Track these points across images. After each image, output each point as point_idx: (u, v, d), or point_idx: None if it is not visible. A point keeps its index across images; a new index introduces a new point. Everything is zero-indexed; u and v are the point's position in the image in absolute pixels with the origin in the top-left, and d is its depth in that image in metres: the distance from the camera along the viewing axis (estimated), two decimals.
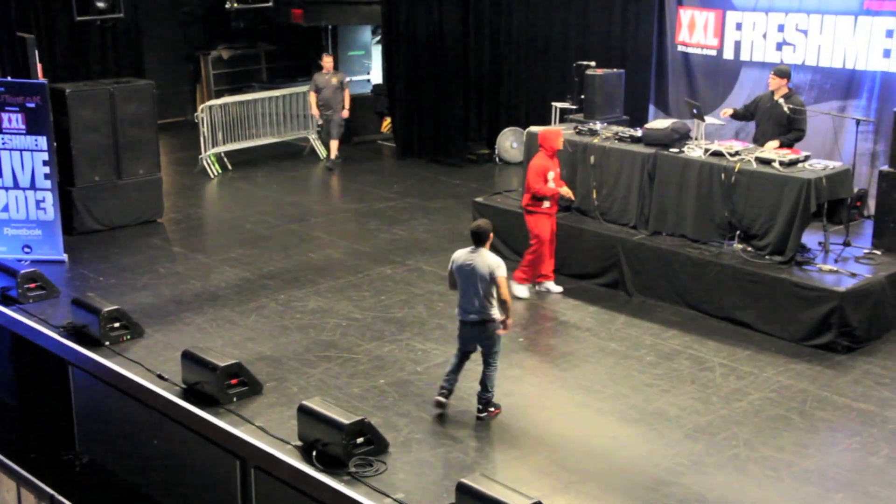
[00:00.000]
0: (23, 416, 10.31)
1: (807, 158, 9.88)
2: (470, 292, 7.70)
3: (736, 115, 11.20)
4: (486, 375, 7.88)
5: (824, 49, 12.19)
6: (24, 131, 11.43)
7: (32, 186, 11.55)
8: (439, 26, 16.15)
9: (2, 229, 11.62)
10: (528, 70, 15.72)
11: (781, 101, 10.53)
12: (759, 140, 10.69)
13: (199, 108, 16.12)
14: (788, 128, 10.54)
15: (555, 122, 13.87)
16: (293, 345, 9.33)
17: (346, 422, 7.12)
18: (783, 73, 10.66)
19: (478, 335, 7.83)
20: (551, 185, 10.20)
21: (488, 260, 7.70)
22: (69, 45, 15.94)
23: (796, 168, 9.70)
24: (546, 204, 10.28)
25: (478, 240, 7.79)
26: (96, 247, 12.17)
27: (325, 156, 16.35)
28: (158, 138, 13.33)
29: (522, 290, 10.42)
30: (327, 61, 16.07)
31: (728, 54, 13.15)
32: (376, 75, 19.56)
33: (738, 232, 9.95)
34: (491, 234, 7.88)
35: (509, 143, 15.99)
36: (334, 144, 16.06)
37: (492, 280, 7.63)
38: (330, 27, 19.23)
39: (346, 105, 15.92)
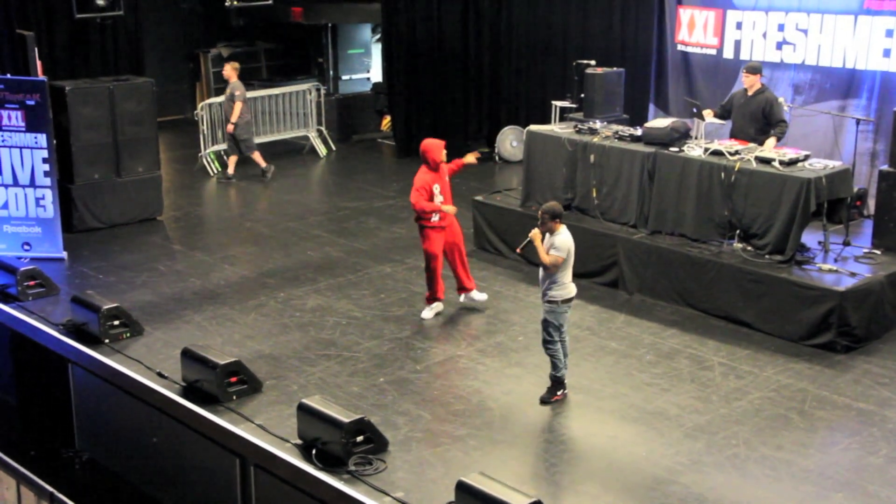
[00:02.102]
0: (22, 414, 10.31)
1: (807, 158, 9.88)
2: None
3: (716, 116, 11.24)
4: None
5: (824, 48, 12.19)
6: (23, 129, 11.43)
7: (32, 184, 11.55)
8: (439, 25, 16.15)
9: (1, 227, 11.61)
10: (528, 68, 15.72)
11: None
12: (737, 136, 10.77)
13: (199, 105, 16.10)
14: (764, 122, 10.58)
15: (555, 121, 13.87)
16: (293, 343, 9.32)
17: (345, 420, 7.12)
18: (755, 69, 10.75)
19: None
20: (438, 198, 9.66)
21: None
22: (69, 43, 15.91)
23: (796, 167, 9.70)
24: (435, 218, 9.68)
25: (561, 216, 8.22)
26: (96, 244, 12.17)
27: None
28: (158, 136, 13.32)
29: (427, 312, 9.95)
30: (224, 69, 15.01)
31: (728, 53, 13.16)
32: (376, 74, 19.55)
33: (737, 231, 9.95)
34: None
35: (509, 141, 15.99)
36: (231, 161, 15.09)
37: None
38: (330, 25, 19.22)
39: (232, 119, 14.66)
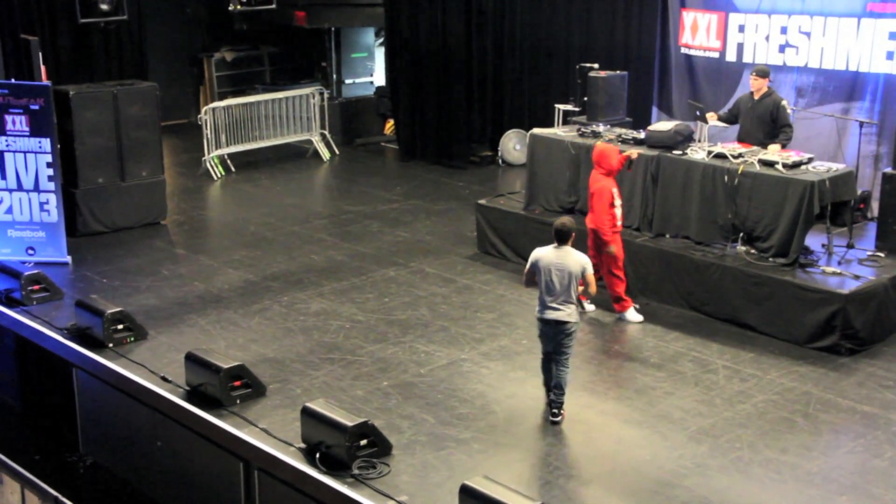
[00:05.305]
0: (27, 418, 10.32)
1: (810, 160, 9.88)
2: (557, 290, 7.74)
3: (721, 120, 11.22)
4: (561, 376, 7.88)
5: (827, 51, 12.18)
6: (27, 133, 11.45)
7: (36, 188, 11.57)
8: (442, 28, 16.15)
9: (6, 231, 11.64)
10: (531, 72, 15.72)
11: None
12: (744, 139, 10.76)
13: (203, 110, 16.12)
14: (773, 126, 10.57)
15: (558, 124, 13.85)
16: (297, 347, 9.33)
17: (349, 424, 7.12)
18: (764, 73, 10.73)
19: (557, 333, 7.84)
20: (618, 202, 9.72)
21: (578, 257, 7.83)
22: (73, 48, 15.95)
23: (800, 170, 9.70)
24: (619, 222, 9.83)
25: (562, 238, 7.84)
26: (100, 249, 12.18)
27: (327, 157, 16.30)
28: (161, 140, 13.35)
29: (635, 315, 9.85)
30: None
31: (731, 56, 13.15)
32: (379, 77, 19.56)
33: (741, 234, 9.94)
34: (573, 233, 7.90)
35: (512, 144, 16.00)
36: None
37: (582, 276, 7.77)
38: (333, 29, 19.24)
39: None
